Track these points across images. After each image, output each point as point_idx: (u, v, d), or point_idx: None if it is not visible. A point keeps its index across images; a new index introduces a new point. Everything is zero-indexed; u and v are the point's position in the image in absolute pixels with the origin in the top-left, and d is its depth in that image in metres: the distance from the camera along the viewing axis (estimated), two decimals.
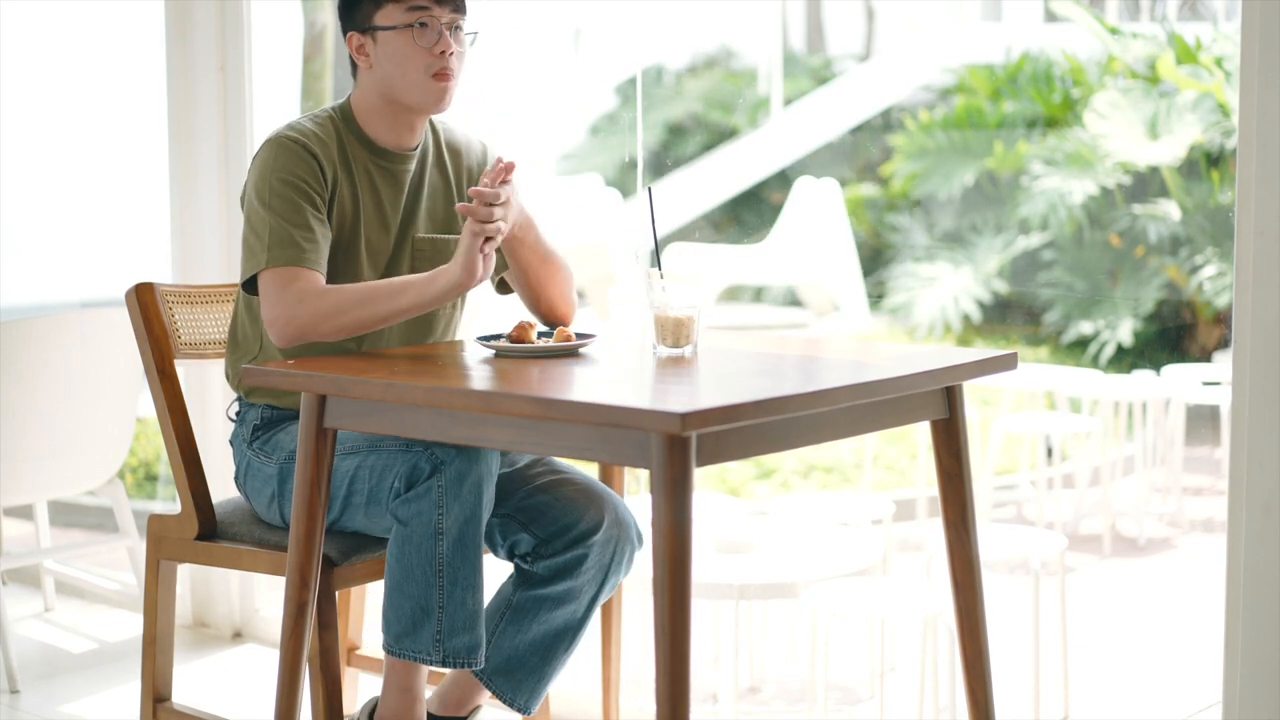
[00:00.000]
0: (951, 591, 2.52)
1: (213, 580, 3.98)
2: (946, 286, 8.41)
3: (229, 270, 3.88)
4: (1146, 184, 8.20)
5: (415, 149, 2.73)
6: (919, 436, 5.98)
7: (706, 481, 6.22)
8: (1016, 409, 6.43)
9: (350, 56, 2.71)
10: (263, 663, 3.81)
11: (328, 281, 2.63)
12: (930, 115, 9.08)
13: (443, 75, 2.63)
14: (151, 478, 5.85)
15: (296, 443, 2.55)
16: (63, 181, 6.71)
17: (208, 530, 2.79)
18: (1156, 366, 6.70)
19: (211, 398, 3.90)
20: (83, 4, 6.53)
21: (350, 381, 2.30)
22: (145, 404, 3.34)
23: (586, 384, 2.27)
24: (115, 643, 4.00)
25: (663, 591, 2.01)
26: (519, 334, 2.49)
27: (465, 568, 2.47)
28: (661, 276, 2.40)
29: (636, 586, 3.77)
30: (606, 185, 9.35)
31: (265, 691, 3.46)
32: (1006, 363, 2.47)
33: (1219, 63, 7.82)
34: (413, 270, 2.71)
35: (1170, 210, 7.98)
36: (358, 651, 3.24)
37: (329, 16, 5.74)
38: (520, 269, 2.71)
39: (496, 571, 3.15)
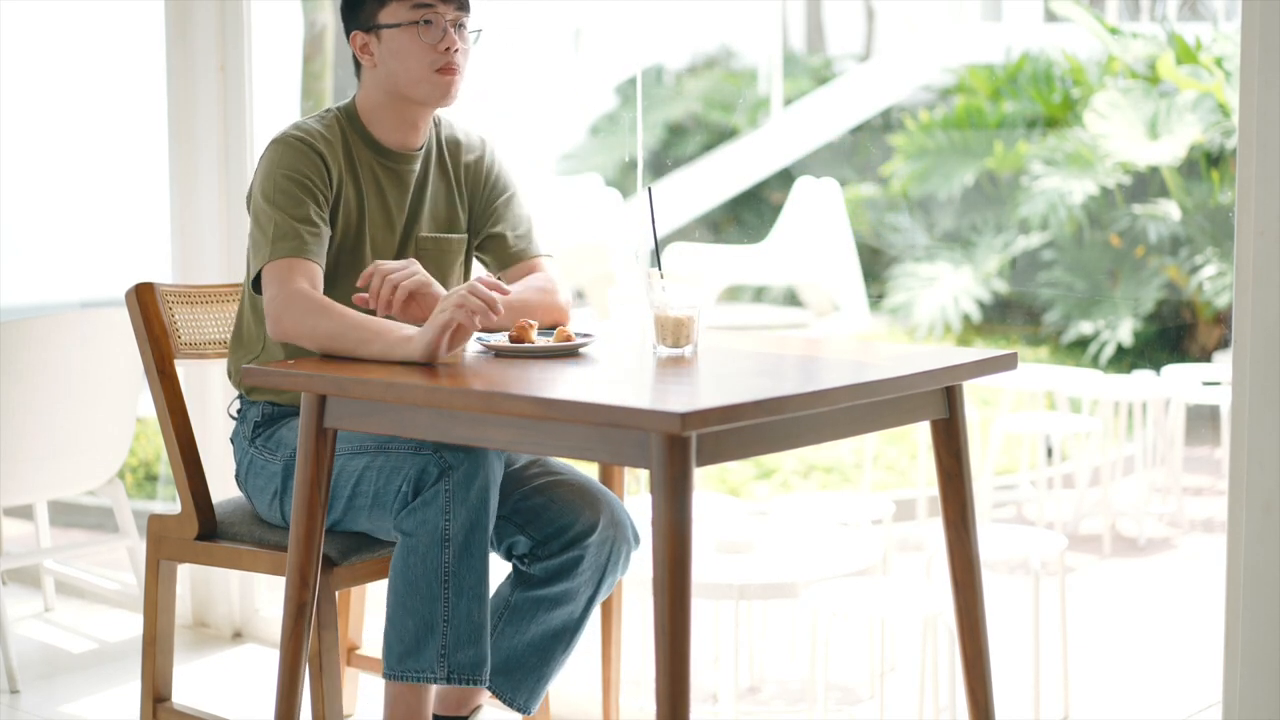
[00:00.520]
0: (951, 591, 2.52)
1: (213, 580, 3.98)
2: (946, 286, 8.41)
3: (229, 270, 3.87)
4: (1146, 184, 8.20)
5: (420, 149, 2.73)
6: (919, 436, 5.98)
7: (706, 481, 6.22)
8: (1016, 409, 6.42)
9: (353, 56, 2.71)
10: (263, 663, 3.80)
11: (334, 281, 2.64)
12: (930, 115, 9.08)
13: (448, 70, 2.64)
14: (151, 478, 5.85)
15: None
16: (63, 181, 6.71)
17: (208, 530, 2.79)
18: (1156, 366, 6.70)
19: (211, 398, 3.90)
20: (83, 4, 6.53)
21: (350, 381, 2.30)
22: (145, 404, 3.34)
23: (586, 384, 2.27)
24: (115, 643, 4.00)
25: (663, 591, 2.01)
26: (519, 334, 2.49)
27: (471, 577, 2.46)
28: (661, 276, 2.40)
29: (636, 586, 3.77)
30: (606, 185, 9.35)
31: (265, 691, 3.46)
32: (1006, 363, 2.47)
33: (1219, 63, 7.82)
34: None
35: (1170, 210, 7.98)
36: (358, 651, 3.24)
37: (329, 16, 5.74)
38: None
39: (496, 572, 3.16)
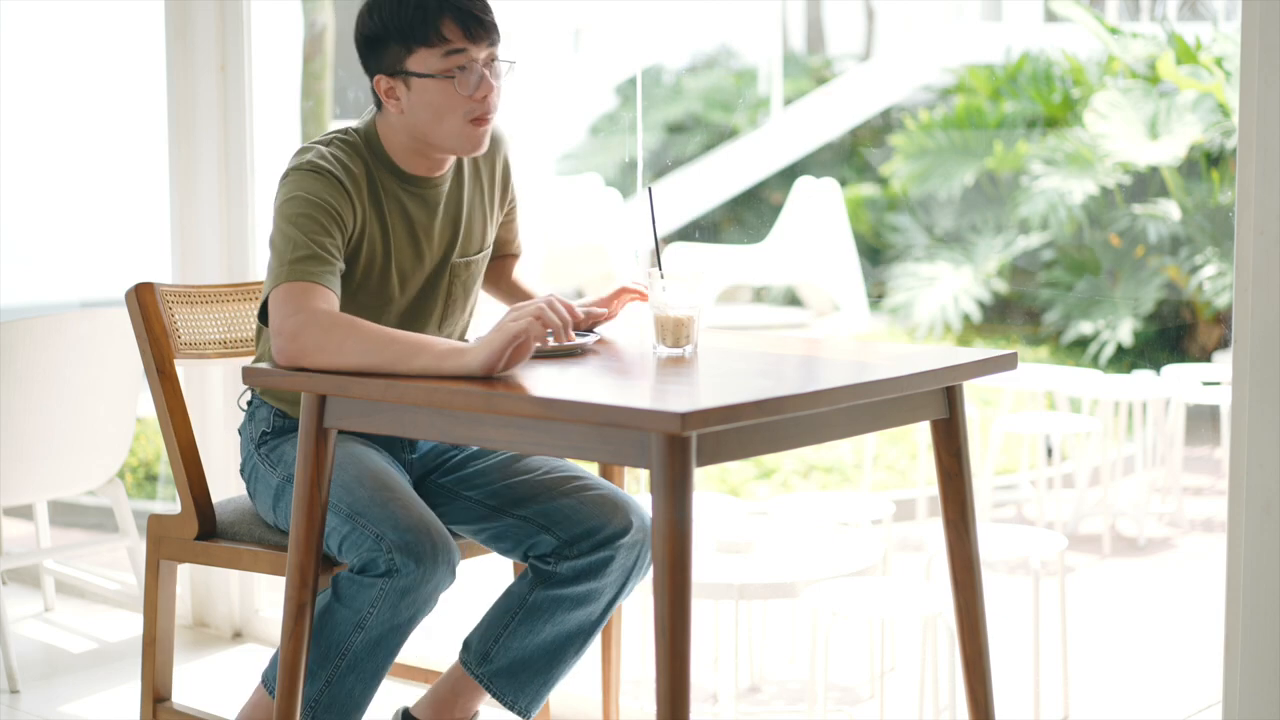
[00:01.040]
0: (951, 591, 2.52)
1: (213, 580, 3.98)
2: (946, 286, 8.41)
3: (229, 270, 3.88)
4: (1146, 184, 8.19)
5: (444, 173, 2.62)
6: (919, 436, 5.98)
7: (706, 481, 6.22)
8: (1016, 409, 6.42)
9: (374, 94, 2.55)
10: (262, 663, 3.80)
11: (359, 308, 2.55)
12: (930, 115, 9.08)
13: (482, 120, 2.50)
14: (151, 478, 5.85)
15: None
16: (63, 182, 6.71)
17: (208, 530, 2.79)
18: (1156, 366, 6.70)
19: (211, 398, 3.90)
20: (83, 4, 6.53)
21: (350, 381, 2.29)
22: (145, 404, 3.34)
23: (586, 384, 2.26)
24: (115, 643, 4.00)
25: (663, 591, 2.01)
26: None
27: (370, 664, 2.49)
28: (661, 276, 2.40)
29: (637, 587, 3.76)
30: (606, 185, 9.36)
31: None
32: (1006, 363, 2.47)
33: (1219, 63, 7.81)
34: (449, 292, 2.65)
35: (1170, 210, 7.98)
36: None
37: (329, 16, 5.74)
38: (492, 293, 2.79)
39: (496, 572, 3.16)
